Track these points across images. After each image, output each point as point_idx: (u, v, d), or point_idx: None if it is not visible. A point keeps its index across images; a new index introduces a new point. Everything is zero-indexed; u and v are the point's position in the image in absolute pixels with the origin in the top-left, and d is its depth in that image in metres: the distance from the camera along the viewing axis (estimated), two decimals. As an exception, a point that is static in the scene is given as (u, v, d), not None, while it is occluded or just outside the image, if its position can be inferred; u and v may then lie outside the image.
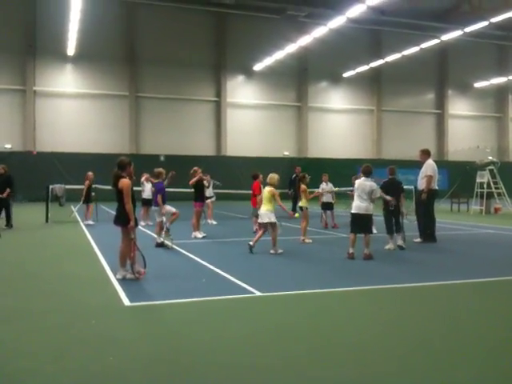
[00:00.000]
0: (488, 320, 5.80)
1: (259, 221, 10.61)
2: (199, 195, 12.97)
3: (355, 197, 10.11)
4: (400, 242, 11.12)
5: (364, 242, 9.88)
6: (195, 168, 13.21)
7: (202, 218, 15.95)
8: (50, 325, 5.45)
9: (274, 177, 10.70)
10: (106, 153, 31.04)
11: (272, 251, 10.28)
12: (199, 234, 12.83)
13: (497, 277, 8.18)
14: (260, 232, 10.55)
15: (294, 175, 18.55)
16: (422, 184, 12.39)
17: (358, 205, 9.99)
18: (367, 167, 10.25)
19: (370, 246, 9.87)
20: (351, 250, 9.86)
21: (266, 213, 10.41)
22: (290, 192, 18.94)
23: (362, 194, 9.95)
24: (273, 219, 10.40)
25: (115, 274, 7.82)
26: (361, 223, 9.99)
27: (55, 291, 7.06)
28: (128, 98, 32.76)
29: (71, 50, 30.79)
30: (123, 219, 7.65)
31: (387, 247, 11.14)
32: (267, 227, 10.51)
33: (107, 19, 31.78)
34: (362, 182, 10.07)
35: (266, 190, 10.53)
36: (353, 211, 10.12)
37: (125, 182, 7.61)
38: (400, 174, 12.02)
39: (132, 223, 7.62)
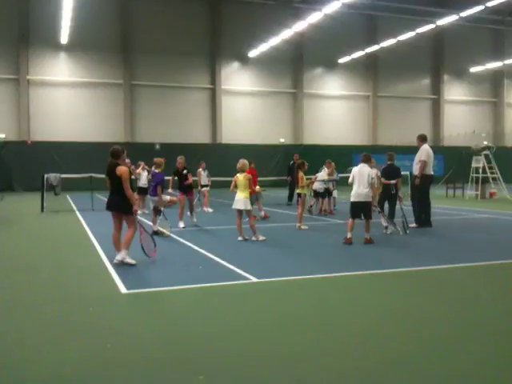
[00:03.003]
0: (487, 304, 5.84)
1: (233, 207, 10.49)
2: (180, 185, 12.46)
3: (355, 184, 10.05)
4: (389, 226, 11.23)
5: (364, 227, 9.96)
6: (179, 158, 12.85)
7: (197, 205, 16.00)
8: (48, 315, 5.46)
9: (245, 162, 10.54)
10: (101, 141, 30.92)
11: (253, 238, 10.27)
12: (181, 224, 12.36)
13: (493, 261, 8.23)
14: (237, 219, 10.48)
15: (292, 162, 18.53)
16: (416, 169, 12.42)
17: (357, 193, 9.97)
18: (367, 156, 10.28)
19: (370, 230, 9.93)
20: (349, 235, 9.90)
21: (242, 199, 10.30)
22: (288, 179, 18.90)
23: (362, 180, 9.94)
24: (248, 206, 10.35)
25: (114, 260, 7.90)
26: (361, 210, 10.03)
27: (52, 281, 7.07)
28: (122, 86, 32.55)
29: (65, 38, 30.49)
30: (125, 205, 7.79)
31: (384, 225, 11.29)
32: (242, 213, 10.47)
33: (101, 7, 31.47)
34: (361, 169, 10.04)
35: (242, 177, 10.36)
36: (353, 200, 10.07)
37: (123, 169, 7.78)
38: (396, 159, 12.08)
39: (136, 207, 7.86)
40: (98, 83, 32.18)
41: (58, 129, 31.00)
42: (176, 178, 12.62)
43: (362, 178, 9.96)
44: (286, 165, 20.27)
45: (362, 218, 10.11)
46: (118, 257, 7.86)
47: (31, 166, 28.08)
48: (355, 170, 10.15)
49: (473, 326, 5.00)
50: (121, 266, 7.69)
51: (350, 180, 10.26)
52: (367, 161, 10.18)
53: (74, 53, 31.59)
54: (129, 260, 7.81)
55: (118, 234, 8.07)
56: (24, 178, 28.65)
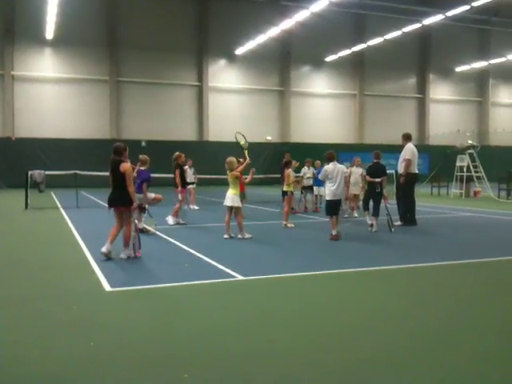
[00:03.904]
0: (472, 301, 5.90)
1: (224, 203, 10.53)
2: (183, 181, 12.67)
3: (331, 183, 10.20)
4: (374, 224, 11.31)
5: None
6: (179, 153, 12.99)
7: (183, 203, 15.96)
8: (32, 312, 5.43)
9: (232, 160, 10.60)
10: (87, 138, 30.76)
11: (239, 236, 10.28)
12: (171, 221, 12.48)
13: (478, 258, 8.33)
14: (227, 216, 10.50)
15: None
16: (401, 168, 12.52)
17: (334, 191, 10.19)
18: (331, 153, 10.50)
19: (337, 226, 10.24)
20: (334, 232, 10.09)
21: (231, 196, 10.33)
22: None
23: (337, 179, 10.17)
24: (236, 203, 10.36)
25: (101, 249, 7.97)
26: (336, 207, 10.32)
27: (36, 278, 7.01)
28: (108, 82, 32.33)
29: (50, 33, 30.19)
30: (127, 200, 8.02)
31: (369, 223, 11.42)
32: (232, 211, 10.51)
33: (87, 2, 31.22)
34: (335, 168, 10.23)
35: (229, 175, 10.42)
36: (329, 198, 10.27)
37: (127, 166, 8.09)
38: (382, 158, 12.14)
39: (135, 204, 8.10)
40: (83, 79, 31.94)
41: (43, 125, 30.71)
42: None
43: (339, 178, 10.18)
44: (278, 163, 20.11)
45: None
46: (123, 255, 8.08)
47: (15, 163, 27.80)
48: (330, 168, 10.25)
49: (459, 323, 5.03)
50: (105, 264, 7.66)
51: (322, 176, 10.52)
52: (333, 158, 10.39)
53: (59, 48, 31.30)
54: (135, 254, 8.16)
55: (118, 230, 8.22)
56: (8, 175, 28.36)
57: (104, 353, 4.27)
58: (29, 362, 4.09)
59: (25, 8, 29.97)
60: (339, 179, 10.15)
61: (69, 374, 3.87)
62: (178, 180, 12.40)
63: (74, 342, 4.49)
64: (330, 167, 10.26)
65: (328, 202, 10.34)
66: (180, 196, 12.53)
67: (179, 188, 12.46)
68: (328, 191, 10.28)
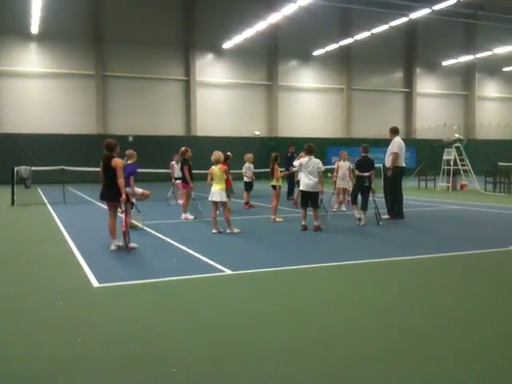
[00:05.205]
0: (460, 294, 5.93)
1: (209, 199, 10.49)
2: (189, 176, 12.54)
3: (303, 175, 10.65)
4: (362, 218, 11.35)
5: (314, 215, 10.56)
6: (185, 148, 13.14)
7: (172, 198, 15.99)
8: (19, 309, 5.38)
9: (220, 154, 10.58)
10: (73, 133, 30.52)
11: (228, 230, 10.27)
12: (190, 216, 12.58)
13: (465, 251, 8.37)
14: (213, 212, 10.47)
15: (289, 154, 18.48)
16: (388, 161, 12.57)
17: (306, 183, 10.57)
18: (310, 146, 10.90)
19: (319, 218, 10.55)
20: (303, 223, 10.55)
21: (217, 191, 10.28)
22: (290, 169, 18.38)
23: (310, 171, 10.52)
24: (224, 198, 10.35)
25: (110, 247, 8.03)
26: (310, 199, 10.62)
27: (23, 274, 6.94)
28: (94, 77, 32.05)
29: (35, 28, 29.82)
30: (118, 194, 8.25)
31: (357, 216, 11.45)
32: (218, 206, 10.52)
33: (71, -4, 30.89)
34: (308, 161, 10.62)
35: (217, 168, 10.33)
36: (302, 189, 10.75)
37: (118, 160, 8.39)
38: (369, 152, 12.16)
39: (124, 196, 8.28)
40: (69, 74, 31.62)
41: (28, 120, 30.40)
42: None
43: (311, 169, 10.53)
44: (262, 158, 20.08)
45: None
46: (113, 247, 8.31)
47: (1, 159, 27.50)
48: (305, 160, 10.72)
49: (447, 316, 5.05)
50: (93, 260, 7.61)
51: (296, 163, 11.28)
52: (312, 152, 10.80)
53: (44, 43, 30.95)
54: (132, 244, 8.40)
55: (114, 223, 8.52)
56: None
57: (91, 349, 4.24)
58: (14, 361, 4.04)
59: (9, 2, 29.56)
60: (311, 171, 10.50)
61: (55, 372, 3.83)
62: (187, 176, 12.37)
63: (60, 339, 4.46)
64: (304, 160, 10.74)
65: (300, 191, 10.95)
66: (185, 191, 12.69)
67: (191, 185, 12.40)
68: (301, 182, 10.78)
